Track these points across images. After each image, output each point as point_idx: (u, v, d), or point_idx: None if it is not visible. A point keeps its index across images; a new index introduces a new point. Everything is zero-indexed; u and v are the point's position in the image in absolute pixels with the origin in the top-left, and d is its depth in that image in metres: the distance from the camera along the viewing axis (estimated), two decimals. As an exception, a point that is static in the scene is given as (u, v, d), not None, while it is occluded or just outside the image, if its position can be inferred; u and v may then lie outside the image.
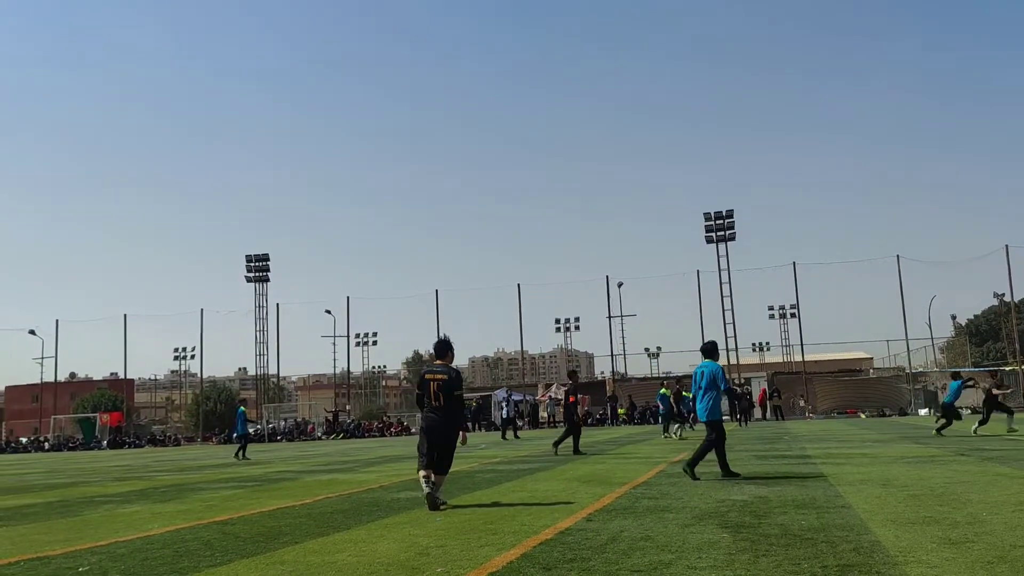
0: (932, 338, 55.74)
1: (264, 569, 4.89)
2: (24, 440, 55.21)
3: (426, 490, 7.53)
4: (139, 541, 6.32)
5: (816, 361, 53.99)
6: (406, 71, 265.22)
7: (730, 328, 51.49)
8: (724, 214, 52.90)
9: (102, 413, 56.33)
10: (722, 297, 51.88)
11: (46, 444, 53.27)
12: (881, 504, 6.73)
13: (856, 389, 47.90)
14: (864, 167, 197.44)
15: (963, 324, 79.78)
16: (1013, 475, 8.76)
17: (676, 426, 22.14)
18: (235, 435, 23.61)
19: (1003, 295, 61.61)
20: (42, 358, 61.54)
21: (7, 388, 75.05)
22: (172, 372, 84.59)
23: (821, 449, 14.95)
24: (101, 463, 24.97)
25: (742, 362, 54.17)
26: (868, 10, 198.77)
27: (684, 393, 22.37)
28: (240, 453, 22.90)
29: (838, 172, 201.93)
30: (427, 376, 7.77)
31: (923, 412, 42.51)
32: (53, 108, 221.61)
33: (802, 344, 51.83)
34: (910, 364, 50.60)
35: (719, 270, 52.11)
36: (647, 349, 73.07)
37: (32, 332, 60.19)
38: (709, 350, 9.85)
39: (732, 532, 5.52)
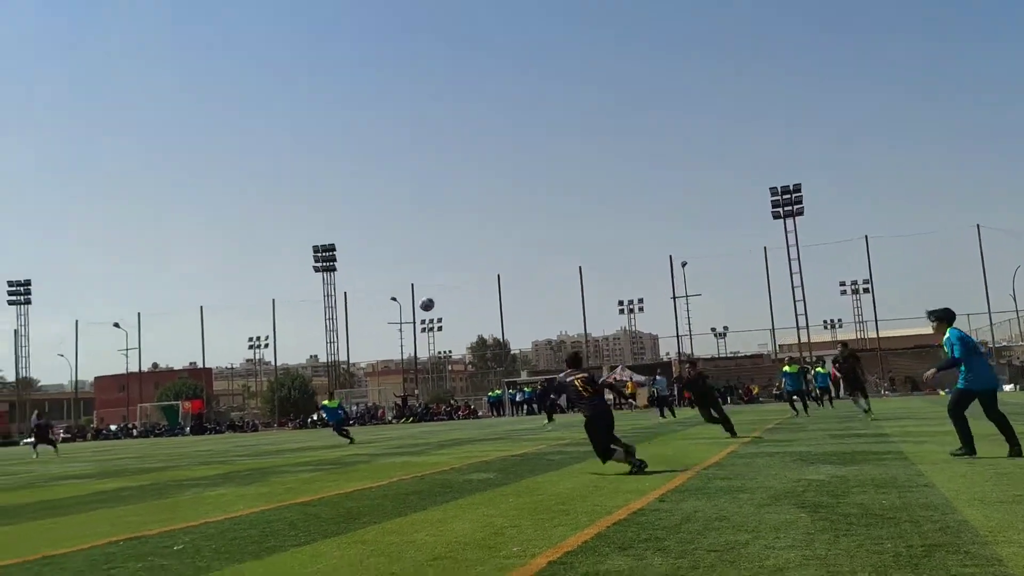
0: (1017, 310, 53.39)
1: (346, 548, 5.04)
2: (114, 427, 57.88)
3: (632, 469, 8.45)
4: (227, 522, 6.59)
5: (891, 337, 52.42)
6: (461, 58, 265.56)
7: (800, 305, 50.39)
8: (791, 188, 51.67)
9: (184, 401, 58.59)
10: (791, 274, 50.83)
11: (134, 431, 55.76)
12: (967, 483, 6.53)
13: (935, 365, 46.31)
14: (940, 133, 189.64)
15: (1050, 296, 76.14)
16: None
17: (862, 401, 18.39)
18: (332, 424, 23.49)
19: (1094, 264, 58.58)
20: (127, 349, 64.34)
21: (96, 379, 78.54)
22: (247, 360, 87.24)
23: (899, 427, 14.56)
24: (186, 448, 26.00)
25: (813, 340, 52.97)
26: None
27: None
28: (345, 434, 22.79)
29: (912, 140, 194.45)
30: (568, 380, 8.94)
31: (1008, 388, 40.90)
32: (129, 102, 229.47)
33: (876, 320, 50.47)
34: (993, 338, 48.71)
35: (787, 246, 51.02)
36: (713, 329, 72.16)
37: (116, 325, 62.93)
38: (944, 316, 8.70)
39: (810, 512, 5.44)
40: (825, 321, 75.01)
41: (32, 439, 29.35)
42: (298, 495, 8.46)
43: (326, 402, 24.60)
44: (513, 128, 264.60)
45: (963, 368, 8.45)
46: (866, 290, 53.61)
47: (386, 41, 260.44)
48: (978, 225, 47.51)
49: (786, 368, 21.62)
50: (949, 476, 7.03)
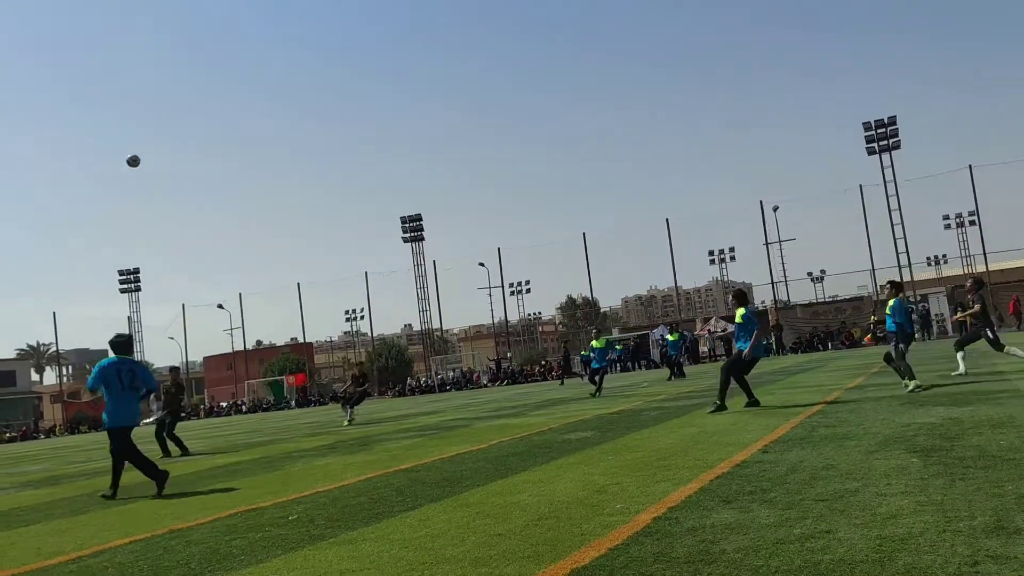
0: None
1: (452, 511, 5.18)
2: (224, 404, 60.89)
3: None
4: (337, 491, 6.86)
5: (1002, 271, 49.58)
6: (542, 21, 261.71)
7: (900, 244, 48.18)
8: (886, 121, 49.06)
9: (288, 376, 60.97)
10: (889, 211, 48.48)
11: (243, 407, 58.48)
12: (1093, 419, 6.17)
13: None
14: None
15: None
16: None
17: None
18: (593, 367, 20.36)
19: None
20: (231, 329, 67.36)
21: (205, 359, 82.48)
22: (345, 333, 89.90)
23: (1016, 365, 13.82)
24: (293, 421, 27.12)
25: (917, 278, 50.64)
26: None
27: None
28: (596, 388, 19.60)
29: (1010, 64, 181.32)
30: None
31: None
32: (208, 99, 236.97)
33: (984, 253, 47.69)
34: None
35: (884, 182, 48.64)
36: (810, 274, 69.82)
37: (220, 306, 65.79)
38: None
39: (922, 456, 5.26)
40: (928, 258, 71.50)
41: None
42: (402, 462, 8.72)
43: (594, 342, 20.72)
44: (592, 88, 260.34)
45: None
46: (972, 223, 50.81)
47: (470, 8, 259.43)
48: (1094, 144, 44.10)
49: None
50: (1074, 413, 6.65)
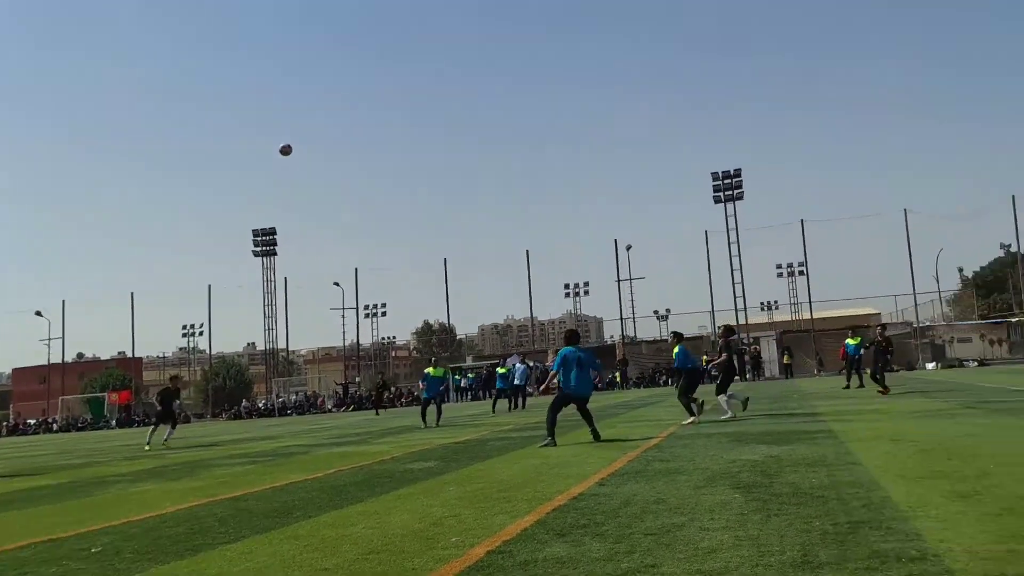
0: (939, 291, 55.55)
1: (278, 544, 4.91)
2: (32, 422, 55.66)
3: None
4: (152, 520, 6.35)
5: (825, 318, 53.91)
6: (407, 39, 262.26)
7: (739, 288, 51.42)
8: (732, 173, 52.51)
9: (111, 392, 56.70)
10: (731, 257, 51.73)
11: (54, 425, 53.71)
12: (891, 460, 6.72)
13: (865, 345, 47.85)
14: (869, 122, 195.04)
15: (969, 277, 79.43)
16: (1021, 427, 8.75)
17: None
18: (424, 397, 19.36)
19: (1009, 246, 61.32)
20: (49, 339, 61.92)
21: (14, 371, 75.46)
22: (181, 349, 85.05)
23: (831, 406, 14.97)
24: (111, 443, 25.18)
25: (751, 321, 54.16)
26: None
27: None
28: (435, 418, 18.84)
29: (844, 128, 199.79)
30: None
31: (931, 366, 42.53)
32: (53, 89, 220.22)
33: (810, 301, 51.74)
34: (917, 318, 50.53)
35: (727, 230, 51.91)
36: (656, 312, 72.96)
37: (38, 313, 60.56)
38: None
39: (744, 492, 5.52)
40: (762, 303, 76.67)
41: None
42: (230, 489, 8.24)
43: (430, 370, 19.63)
44: (458, 112, 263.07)
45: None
46: (801, 272, 54.95)
47: (321, 18, 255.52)
48: (905, 209, 49.03)
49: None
50: (875, 454, 7.23)
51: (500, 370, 25.91)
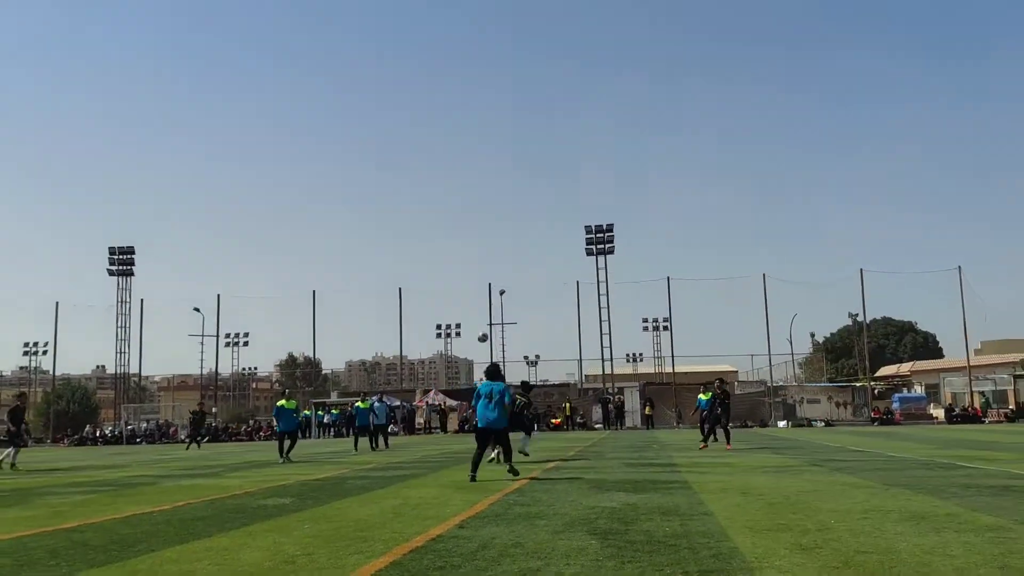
0: (792, 354, 59.13)
1: (114, 580, 4.59)
2: None
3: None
4: (-28, 551, 5.80)
5: (686, 372, 56.14)
6: (286, 58, 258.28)
7: (606, 338, 52.87)
8: (604, 228, 54.32)
9: (-64, 411, 51.62)
10: (599, 308, 53.23)
11: None
12: (740, 511, 7.05)
13: (722, 401, 50.05)
14: (732, 192, 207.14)
15: (820, 341, 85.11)
16: (859, 484, 9.39)
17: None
18: (278, 431, 18.82)
19: (856, 315, 66.35)
20: None
21: None
22: (21, 368, 78.60)
23: (687, 458, 15.55)
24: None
25: (616, 371, 55.69)
26: (741, 15, 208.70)
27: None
28: (284, 453, 18.17)
29: (710, 193, 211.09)
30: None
31: (782, 424, 45.01)
32: None
33: (673, 356, 53.85)
34: (771, 378, 53.49)
35: (598, 282, 53.48)
36: (526, 357, 73.80)
37: None
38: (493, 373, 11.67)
39: (600, 539, 5.63)
40: (628, 354, 79.23)
41: None
42: (66, 519, 7.65)
43: (282, 402, 19.25)
44: (334, 142, 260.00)
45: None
46: (666, 327, 57.18)
47: (196, 31, 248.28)
48: (764, 274, 52.13)
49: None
50: (726, 505, 7.56)
51: (360, 404, 24.55)
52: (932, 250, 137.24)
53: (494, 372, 11.68)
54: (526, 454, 15.27)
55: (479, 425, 11.27)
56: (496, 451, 14.63)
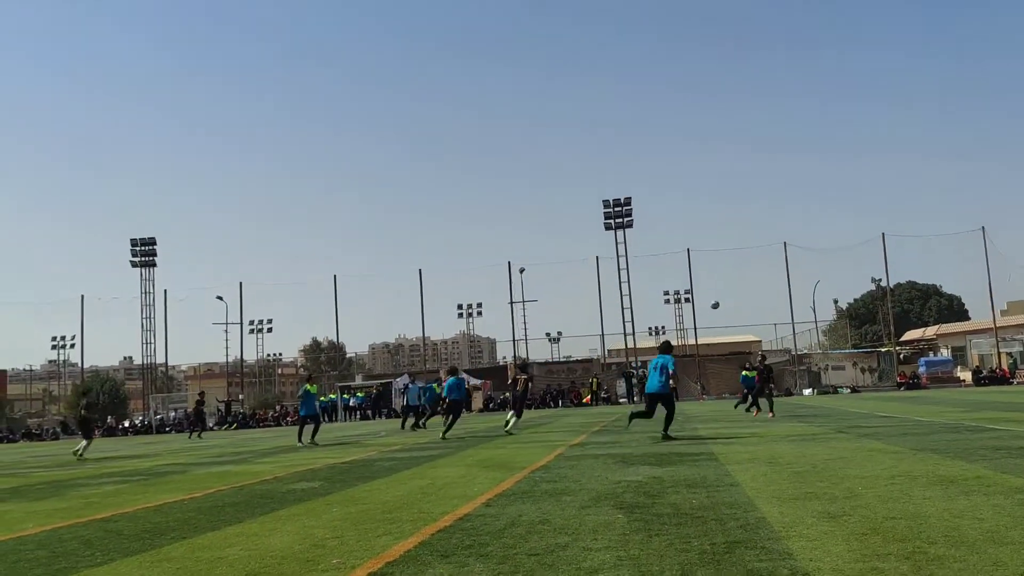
0: (816, 321, 58.76)
1: (149, 567, 4.67)
2: None
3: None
4: (11, 542, 5.93)
5: (708, 344, 55.98)
6: (303, 47, 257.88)
7: (627, 313, 52.77)
8: (622, 201, 54.02)
9: (-29, 407, 52.70)
10: (620, 283, 53.11)
11: (-93, 441, 49.43)
12: (767, 482, 7.02)
13: (745, 371, 49.92)
14: (753, 158, 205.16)
15: (844, 308, 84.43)
16: (886, 450, 9.33)
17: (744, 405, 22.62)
18: (301, 415, 19.04)
19: (880, 280, 65.67)
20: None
21: None
22: (50, 362, 79.80)
23: (712, 429, 15.52)
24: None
25: (639, 346, 55.62)
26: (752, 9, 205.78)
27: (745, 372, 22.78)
28: (304, 436, 18.53)
29: (731, 161, 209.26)
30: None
31: (807, 392, 44.81)
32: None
33: (695, 328, 53.71)
34: (795, 346, 53.21)
35: (617, 256, 53.31)
36: (548, 334, 74.01)
37: None
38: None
39: (627, 513, 5.64)
40: (650, 328, 79.08)
41: None
42: (99, 510, 7.78)
43: (308, 386, 19.25)
44: (355, 129, 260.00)
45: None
46: (687, 299, 56.98)
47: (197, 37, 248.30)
48: (784, 243, 51.71)
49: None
50: (752, 475, 7.53)
51: (435, 387, 25.42)
52: (955, 212, 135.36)
53: (666, 347, 13.49)
54: (511, 433, 16.81)
55: (646, 391, 13.42)
56: (511, 421, 16.28)
